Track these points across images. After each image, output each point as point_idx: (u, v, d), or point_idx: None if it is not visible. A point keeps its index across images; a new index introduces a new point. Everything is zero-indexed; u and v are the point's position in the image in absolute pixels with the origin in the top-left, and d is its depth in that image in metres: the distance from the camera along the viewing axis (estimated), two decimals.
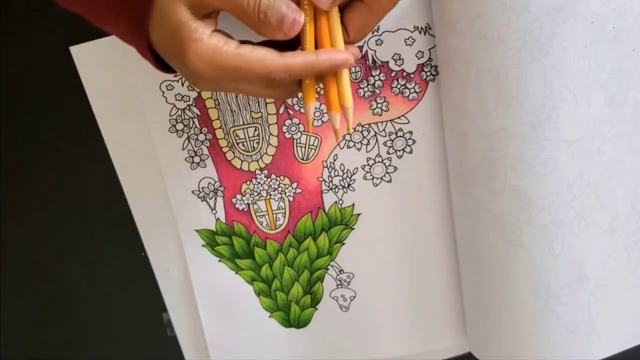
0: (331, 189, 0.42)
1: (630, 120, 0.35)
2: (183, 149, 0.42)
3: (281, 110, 0.41)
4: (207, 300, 0.45)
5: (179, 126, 0.41)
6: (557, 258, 0.36)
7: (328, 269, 0.44)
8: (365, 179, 0.42)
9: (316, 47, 0.31)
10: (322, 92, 0.32)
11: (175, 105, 0.41)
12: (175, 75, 0.40)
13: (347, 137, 0.41)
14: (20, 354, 0.51)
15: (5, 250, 0.46)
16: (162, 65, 0.32)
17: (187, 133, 0.42)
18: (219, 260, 0.44)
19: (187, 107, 0.41)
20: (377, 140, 0.41)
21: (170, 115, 0.41)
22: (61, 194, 0.45)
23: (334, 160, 0.42)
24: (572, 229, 0.36)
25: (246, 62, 0.29)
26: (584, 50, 0.33)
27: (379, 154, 0.41)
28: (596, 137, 0.35)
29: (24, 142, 0.43)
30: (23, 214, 0.46)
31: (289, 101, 0.41)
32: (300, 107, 0.41)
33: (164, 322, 0.48)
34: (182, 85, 0.41)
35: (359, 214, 0.43)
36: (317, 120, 0.41)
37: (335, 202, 0.42)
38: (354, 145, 0.41)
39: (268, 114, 0.41)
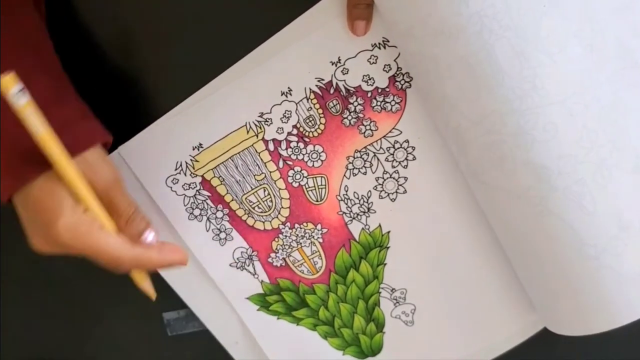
0: (354, 218, 0.43)
1: (617, 58, 0.34)
2: (207, 231, 0.44)
3: (280, 164, 0.42)
4: (283, 357, 0.46)
5: (196, 212, 0.43)
6: (591, 215, 0.35)
7: (380, 292, 0.45)
8: (381, 198, 0.42)
9: None
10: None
11: (185, 195, 0.43)
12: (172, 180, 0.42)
13: (350, 166, 0.42)
14: (21, 354, 0.50)
15: (4, 249, 0.46)
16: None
17: (206, 215, 0.43)
18: (278, 318, 0.46)
19: (197, 193, 0.43)
20: (378, 159, 0.41)
21: (184, 205, 0.43)
22: None
23: (346, 191, 0.42)
24: (596, 182, 0.34)
25: (101, 246, 0.33)
26: (544, 10, 0.32)
27: (385, 171, 0.41)
28: (587, 86, 0.33)
29: None
30: None
31: (284, 152, 0.42)
32: (296, 155, 0.41)
33: (164, 322, 0.47)
34: (185, 175, 0.42)
35: (388, 232, 0.43)
36: (317, 160, 0.42)
37: (362, 228, 0.43)
38: (359, 171, 0.42)
39: (270, 171, 0.42)
